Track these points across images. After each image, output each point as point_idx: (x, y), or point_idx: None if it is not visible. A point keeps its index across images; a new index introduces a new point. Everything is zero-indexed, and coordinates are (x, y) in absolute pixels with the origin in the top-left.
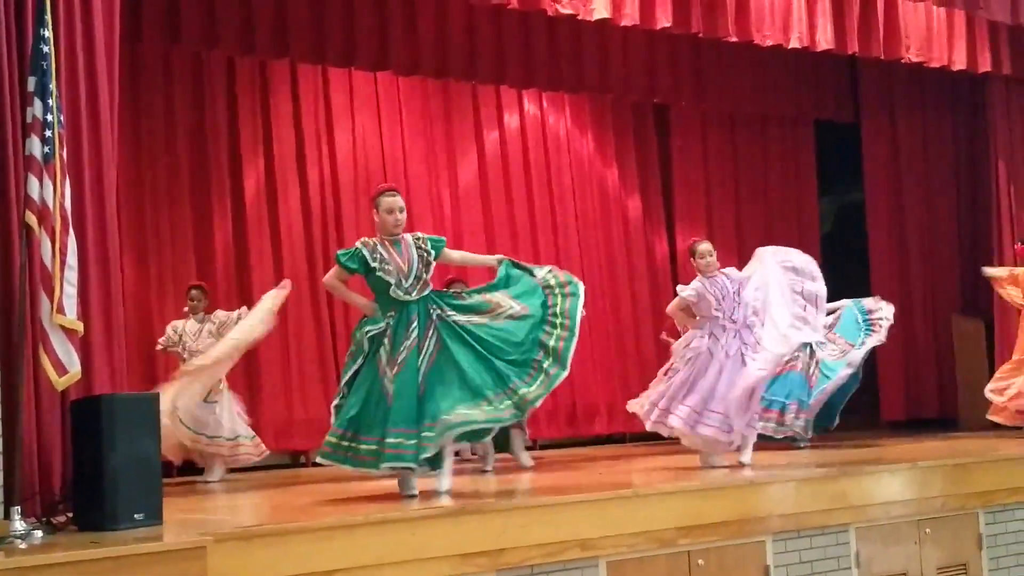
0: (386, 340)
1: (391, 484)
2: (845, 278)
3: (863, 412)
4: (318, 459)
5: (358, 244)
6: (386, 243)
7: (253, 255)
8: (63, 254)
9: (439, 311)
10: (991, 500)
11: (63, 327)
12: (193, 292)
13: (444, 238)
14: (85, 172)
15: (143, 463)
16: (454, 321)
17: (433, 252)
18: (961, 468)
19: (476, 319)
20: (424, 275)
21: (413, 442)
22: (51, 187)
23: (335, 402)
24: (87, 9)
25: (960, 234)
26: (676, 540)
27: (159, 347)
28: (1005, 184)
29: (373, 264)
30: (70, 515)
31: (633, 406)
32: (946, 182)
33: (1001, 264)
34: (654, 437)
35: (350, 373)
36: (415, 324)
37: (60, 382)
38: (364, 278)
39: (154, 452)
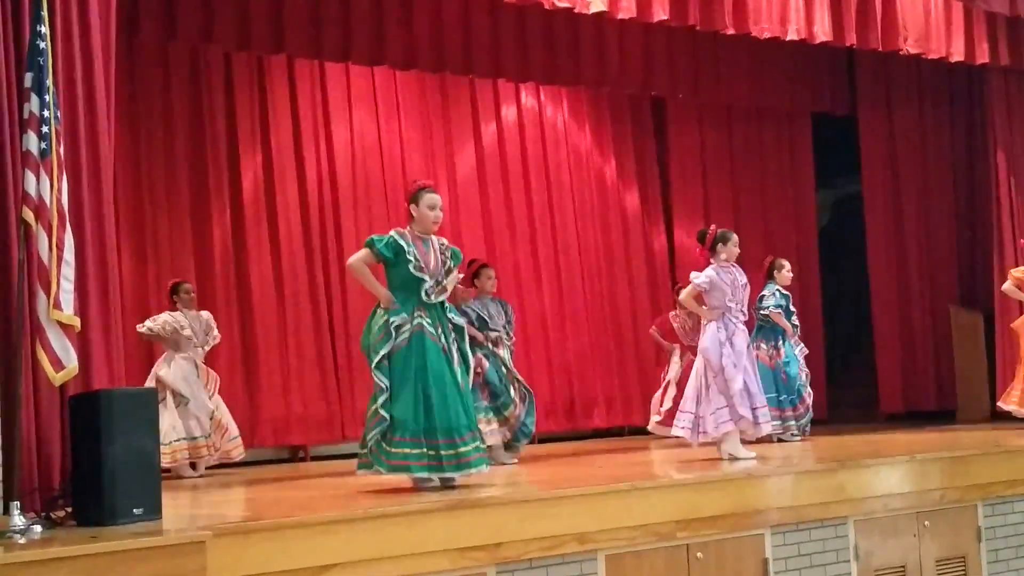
0: (430, 339)
1: (388, 478)
2: (843, 271)
3: (861, 404)
4: (391, 473)
5: (394, 233)
6: (418, 239)
7: (251, 249)
8: (60, 250)
9: (455, 333)
10: (990, 492)
11: (60, 323)
12: (187, 286)
13: (462, 253)
14: (82, 168)
15: (142, 458)
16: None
17: (452, 262)
18: (960, 461)
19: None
20: (443, 281)
21: (474, 445)
22: (48, 183)
23: (382, 399)
24: (84, 5)
25: (958, 226)
26: (674, 533)
27: (144, 330)
28: (1005, 175)
29: (409, 258)
30: (69, 510)
31: (678, 430)
32: (944, 174)
33: (1001, 257)
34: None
35: (379, 357)
36: (440, 329)
37: (57, 377)
38: (385, 269)
39: (153, 447)
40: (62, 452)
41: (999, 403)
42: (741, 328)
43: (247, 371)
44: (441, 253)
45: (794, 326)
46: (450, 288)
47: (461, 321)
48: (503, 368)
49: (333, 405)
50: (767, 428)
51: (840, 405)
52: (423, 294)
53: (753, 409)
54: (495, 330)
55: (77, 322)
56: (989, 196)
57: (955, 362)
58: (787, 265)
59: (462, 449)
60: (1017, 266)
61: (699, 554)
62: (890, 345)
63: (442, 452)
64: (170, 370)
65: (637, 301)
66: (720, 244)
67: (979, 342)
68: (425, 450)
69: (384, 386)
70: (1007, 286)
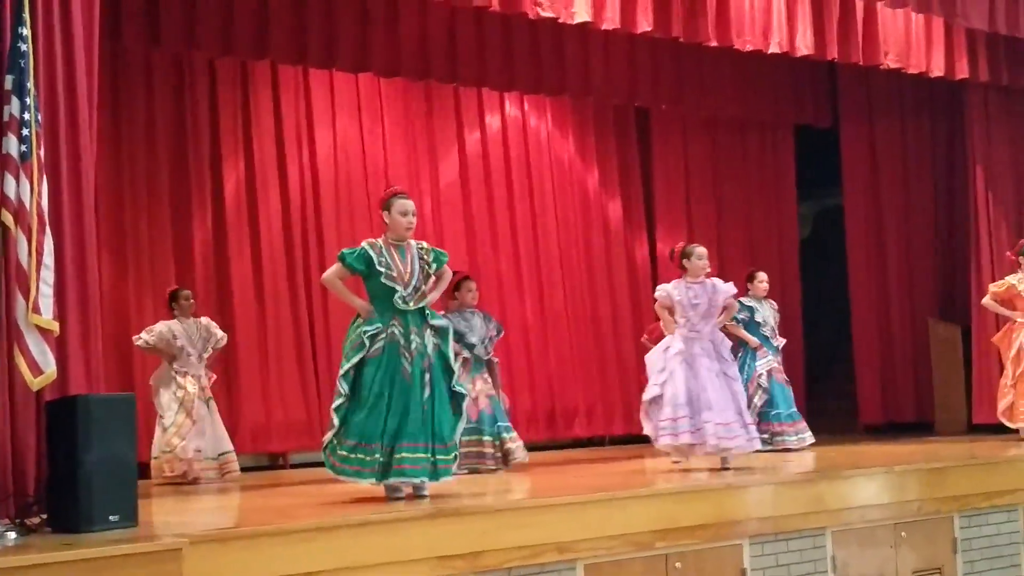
0: (397, 348)
1: (368, 487)
2: (823, 283)
3: (841, 415)
4: (338, 476)
5: (364, 245)
6: (392, 247)
7: (232, 256)
8: (39, 254)
9: (436, 340)
10: (966, 504)
11: (39, 327)
12: (186, 292)
13: (447, 253)
14: (63, 171)
15: (118, 464)
16: (442, 358)
17: (434, 265)
18: (937, 472)
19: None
20: (423, 286)
21: (425, 456)
22: (28, 186)
23: (337, 403)
24: (66, 7)
25: (937, 239)
26: (653, 543)
27: (140, 343)
28: (983, 190)
29: (379, 268)
30: (44, 516)
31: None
32: (924, 187)
33: (979, 271)
34: (633, 440)
35: (348, 366)
36: (415, 335)
37: (35, 382)
38: (362, 280)
39: (130, 453)
40: (38, 458)
41: (1003, 420)
42: (698, 342)
43: (227, 377)
44: (420, 258)
45: (763, 337)
46: (438, 291)
47: (444, 323)
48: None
49: (313, 412)
50: (684, 438)
51: (819, 416)
52: (398, 302)
53: (672, 420)
54: (473, 343)
55: (56, 326)
56: (968, 209)
57: (933, 374)
58: (760, 276)
59: (413, 455)
60: (995, 280)
61: (678, 564)
62: (869, 357)
63: (394, 456)
64: (160, 398)
65: (619, 311)
66: (684, 260)
67: (957, 355)
68: (377, 456)
69: (343, 393)
70: (987, 300)
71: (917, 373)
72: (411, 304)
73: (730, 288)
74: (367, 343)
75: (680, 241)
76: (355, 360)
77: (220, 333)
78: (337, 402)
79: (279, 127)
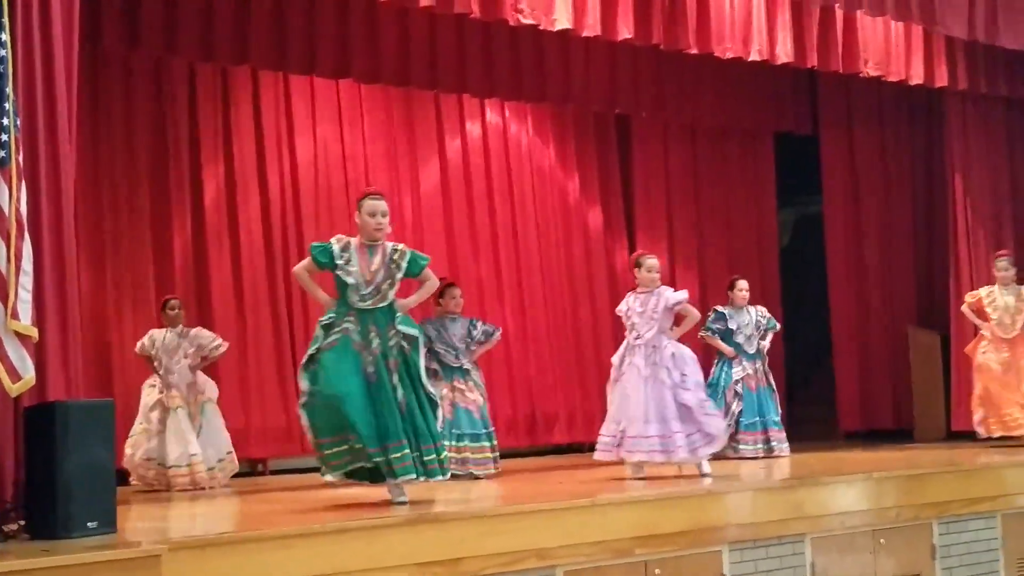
0: (352, 344)
1: (349, 493)
2: (803, 290)
3: (820, 422)
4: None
5: (332, 239)
6: (362, 246)
7: (212, 262)
8: (18, 259)
9: (401, 344)
10: (945, 511)
11: (17, 333)
12: (172, 302)
13: (428, 258)
14: (42, 177)
15: (97, 470)
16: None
17: (405, 267)
18: (916, 479)
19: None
20: (385, 288)
21: (406, 452)
22: (7, 192)
23: (301, 400)
24: (45, 12)
25: (917, 247)
26: (633, 550)
27: (137, 351)
28: (961, 197)
29: (339, 262)
30: (22, 523)
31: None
32: (903, 195)
33: (957, 278)
34: None
35: (305, 359)
36: (375, 335)
37: (14, 388)
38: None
39: (108, 459)
40: (16, 464)
41: (978, 429)
42: (639, 349)
43: None
44: (391, 260)
45: (736, 345)
46: (420, 296)
47: (413, 331)
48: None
49: (293, 418)
50: (633, 455)
51: (799, 423)
52: (352, 298)
53: (611, 437)
54: (438, 351)
55: (35, 332)
56: (947, 217)
57: (912, 381)
58: (739, 284)
59: (400, 454)
60: (974, 287)
61: (657, 570)
62: (849, 364)
63: (386, 458)
64: (145, 398)
65: (599, 318)
66: (636, 269)
67: (936, 362)
68: (345, 448)
69: (304, 389)
70: (964, 308)
71: (896, 380)
72: (368, 303)
73: (679, 295)
74: (321, 333)
75: (663, 249)
76: (311, 350)
77: (212, 344)
78: (301, 399)
79: (259, 133)
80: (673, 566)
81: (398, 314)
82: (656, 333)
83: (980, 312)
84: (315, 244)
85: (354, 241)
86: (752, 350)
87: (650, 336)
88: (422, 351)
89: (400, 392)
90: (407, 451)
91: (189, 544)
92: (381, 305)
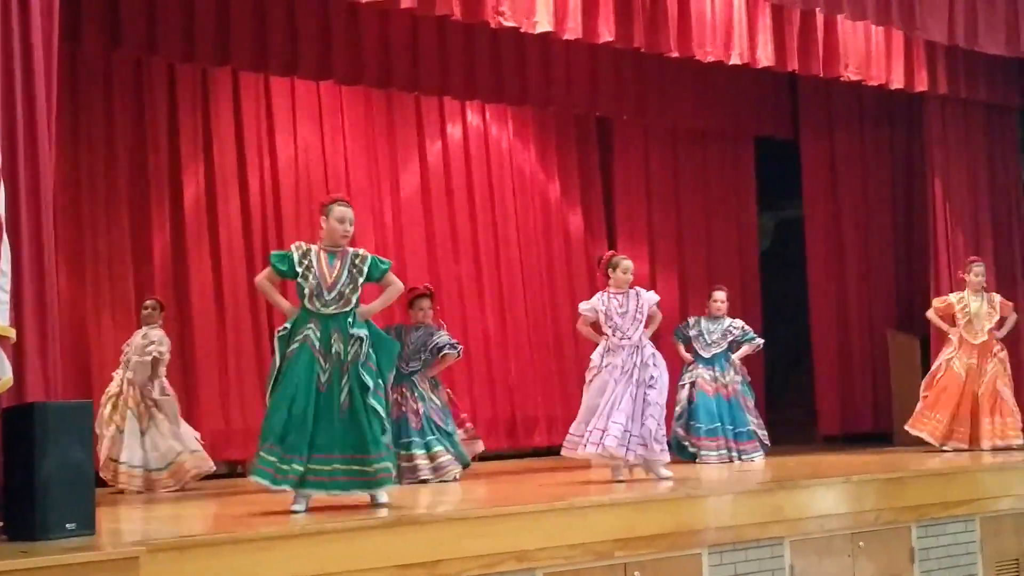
0: (311, 351)
1: (326, 496)
2: (783, 294)
3: (800, 426)
4: (250, 477)
5: (292, 247)
6: (323, 252)
7: (192, 263)
8: None
9: (357, 349)
10: (923, 514)
11: None
12: (146, 302)
13: (390, 262)
14: (20, 177)
15: (75, 472)
16: (365, 372)
17: (367, 271)
18: (894, 482)
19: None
20: (348, 292)
21: (343, 467)
22: None
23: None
24: (24, 11)
25: (896, 251)
26: (613, 552)
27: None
28: (941, 202)
29: (298, 269)
30: (1, 524)
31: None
32: (883, 199)
33: (937, 282)
34: None
35: (273, 371)
36: (336, 340)
37: None
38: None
39: (87, 461)
40: None
41: (908, 427)
42: (624, 352)
43: (185, 384)
44: (352, 265)
45: (692, 350)
46: (383, 301)
47: (363, 333)
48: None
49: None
50: (592, 449)
51: (778, 426)
52: (310, 304)
53: (593, 431)
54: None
55: (12, 333)
56: (926, 221)
57: (892, 385)
58: (714, 295)
59: (329, 467)
60: (953, 291)
61: (637, 573)
62: (828, 368)
63: (309, 467)
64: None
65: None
66: (610, 270)
67: (915, 366)
68: (296, 466)
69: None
70: (930, 313)
71: (876, 384)
72: (331, 308)
73: (653, 296)
74: (278, 347)
75: (644, 252)
76: (277, 366)
77: (150, 349)
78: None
79: (239, 134)
80: (652, 569)
81: (359, 324)
82: (640, 333)
83: (945, 319)
84: (274, 252)
85: (314, 248)
86: (707, 355)
87: (637, 337)
88: (374, 353)
89: (345, 402)
90: (339, 464)
91: (168, 546)
92: (345, 310)
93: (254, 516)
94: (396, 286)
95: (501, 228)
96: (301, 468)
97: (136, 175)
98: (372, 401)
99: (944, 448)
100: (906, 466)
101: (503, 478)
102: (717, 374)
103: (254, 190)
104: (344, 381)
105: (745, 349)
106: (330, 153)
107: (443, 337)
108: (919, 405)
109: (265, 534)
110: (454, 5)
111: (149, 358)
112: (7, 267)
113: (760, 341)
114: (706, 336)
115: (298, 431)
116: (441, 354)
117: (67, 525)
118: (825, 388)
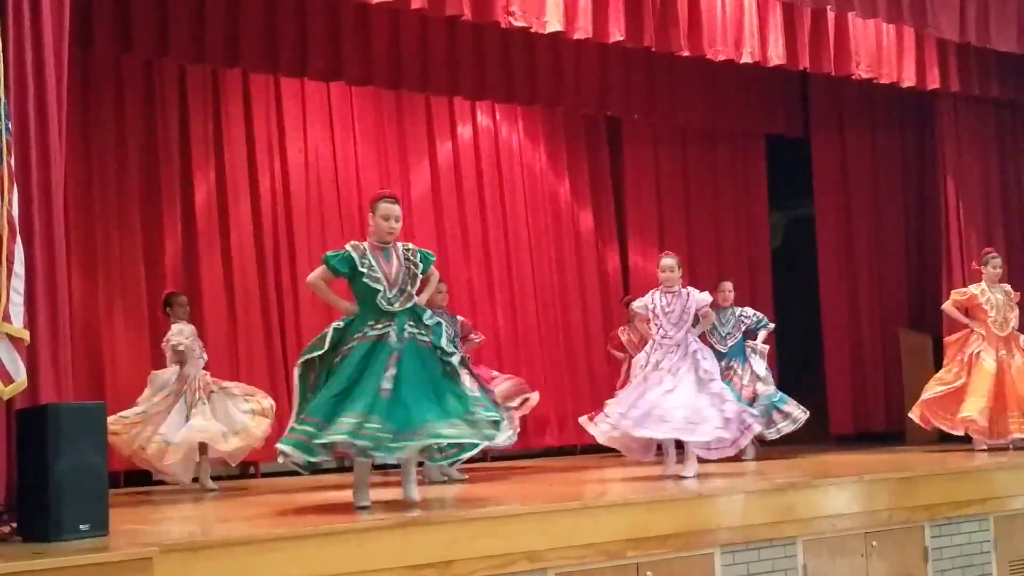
0: (372, 348)
1: (338, 496)
2: (794, 292)
3: (811, 426)
4: (281, 454)
5: (347, 247)
6: (376, 250)
7: (203, 264)
8: (10, 262)
9: (432, 333)
10: (936, 513)
11: (9, 335)
12: (182, 297)
13: (434, 254)
14: (33, 180)
15: (89, 473)
16: (423, 344)
17: (421, 266)
18: (907, 482)
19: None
20: (409, 288)
21: (390, 436)
22: None
23: (296, 407)
24: (36, 15)
25: (908, 249)
26: (624, 552)
27: (181, 347)
28: (953, 200)
29: (361, 270)
30: (14, 525)
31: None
32: (895, 197)
33: (949, 280)
34: (604, 449)
35: (305, 357)
36: (405, 335)
37: (6, 391)
38: (348, 283)
39: (100, 462)
40: (8, 466)
41: (912, 416)
42: (667, 351)
43: None
44: (407, 259)
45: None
46: (427, 293)
47: (435, 320)
48: None
49: (284, 421)
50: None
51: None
52: (381, 303)
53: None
54: None
55: (27, 335)
56: (938, 219)
57: (904, 384)
58: (723, 285)
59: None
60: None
61: (649, 573)
62: (840, 367)
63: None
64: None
65: (590, 320)
66: (658, 272)
67: (928, 364)
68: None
69: (297, 395)
70: (947, 306)
71: (888, 383)
72: (396, 305)
73: (706, 297)
74: (330, 337)
75: (654, 251)
76: (316, 354)
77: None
78: (295, 406)
79: (250, 136)
80: (665, 568)
81: (422, 311)
82: (684, 333)
83: (967, 311)
84: (331, 253)
85: (366, 246)
86: (724, 349)
87: (681, 336)
88: (444, 337)
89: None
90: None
91: (180, 547)
92: (408, 305)
93: (266, 517)
94: (435, 276)
95: (511, 228)
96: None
97: (147, 177)
98: (462, 382)
99: (991, 445)
100: (919, 465)
101: (514, 478)
102: (736, 366)
103: (265, 191)
104: (415, 374)
105: (763, 335)
106: (340, 153)
107: (464, 321)
108: (940, 390)
109: (277, 534)
110: (464, 5)
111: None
112: (21, 269)
113: (772, 324)
114: (719, 329)
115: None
116: (468, 338)
117: (80, 526)
118: (837, 387)
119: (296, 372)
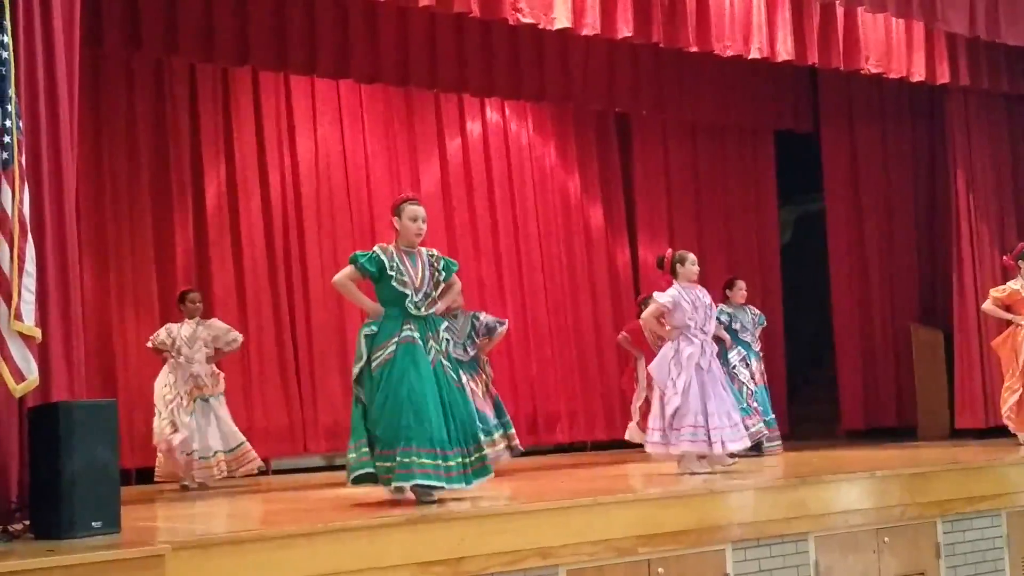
0: (413, 348)
1: (348, 493)
2: (804, 288)
3: (822, 421)
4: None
5: (376, 249)
6: (403, 253)
7: (214, 261)
8: (21, 260)
9: (446, 347)
10: (949, 509)
11: (21, 334)
12: (193, 295)
13: (457, 263)
14: (44, 178)
15: (101, 470)
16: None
17: (444, 273)
18: (919, 477)
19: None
20: (433, 293)
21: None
22: (9, 193)
23: (359, 412)
24: (47, 14)
25: (919, 244)
26: (636, 548)
27: (149, 344)
28: (964, 194)
29: (390, 272)
30: (27, 523)
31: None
32: (905, 192)
33: (960, 275)
34: (615, 445)
35: (356, 371)
36: (432, 341)
37: (18, 389)
38: (374, 284)
39: (112, 459)
40: (20, 464)
41: (1007, 424)
42: (702, 346)
43: None
44: (431, 266)
45: (744, 343)
46: (449, 300)
47: (447, 334)
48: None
49: (296, 418)
50: (719, 448)
51: (801, 421)
52: (410, 307)
53: (700, 428)
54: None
55: (38, 333)
56: (949, 214)
57: (915, 379)
58: (739, 284)
59: (450, 463)
60: (978, 284)
61: (660, 569)
62: (851, 362)
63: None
64: (158, 380)
65: (600, 316)
66: (679, 265)
67: (939, 359)
68: (456, 460)
69: (361, 400)
70: (987, 305)
71: (899, 378)
72: (423, 310)
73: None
74: (365, 345)
75: (664, 247)
76: (360, 365)
77: (231, 336)
78: (358, 411)
79: (260, 134)
80: (676, 565)
81: (439, 320)
82: (713, 326)
83: (1009, 308)
84: (360, 253)
85: (393, 248)
86: (757, 348)
87: (711, 328)
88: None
89: (447, 392)
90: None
91: (193, 544)
92: (431, 311)
93: (278, 514)
94: (457, 284)
95: (521, 224)
96: (464, 459)
97: (158, 175)
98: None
99: None
100: (931, 461)
101: (525, 474)
102: (752, 361)
103: (275, 188)
104: (447, 376)
105: (758, 332)
106: (350, 150)
107: (487, 316)
108: (1017, 397)
109: (288, 532)
110: (472, 2)
111: (235, 347)
112: (32, 268)
113: (764, 320)
114: (746, 324)
115: (444, 426)
116: (493, 333)
117: (93, 523)
118: (848, 382)
119: (354, 392)
